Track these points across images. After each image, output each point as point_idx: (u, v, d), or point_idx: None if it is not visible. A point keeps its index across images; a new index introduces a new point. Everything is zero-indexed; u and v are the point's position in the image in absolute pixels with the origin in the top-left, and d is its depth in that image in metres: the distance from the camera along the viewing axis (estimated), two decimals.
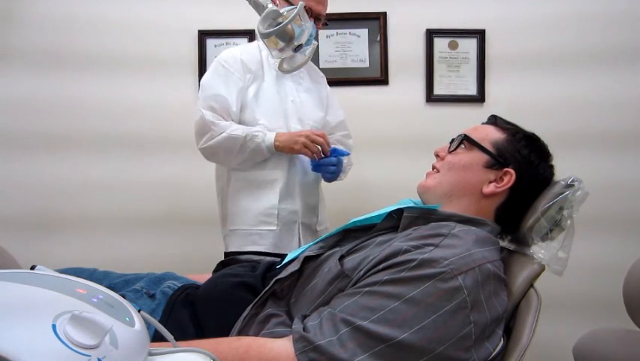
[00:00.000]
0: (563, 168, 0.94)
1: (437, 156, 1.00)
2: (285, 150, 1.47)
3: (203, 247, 1.94)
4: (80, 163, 2.06)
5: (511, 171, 0.89)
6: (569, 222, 0.87)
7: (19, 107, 2.06)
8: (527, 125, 0.97)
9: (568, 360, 0.94)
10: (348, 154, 1.55)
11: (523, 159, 0.91)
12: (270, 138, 1.46)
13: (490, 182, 0.90)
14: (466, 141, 0.94)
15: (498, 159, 0.91)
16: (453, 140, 0.98)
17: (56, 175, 2.06)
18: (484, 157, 0.92)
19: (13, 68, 2.07)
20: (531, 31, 2.09)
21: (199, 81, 2.06)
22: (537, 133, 0.98)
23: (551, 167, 0.94)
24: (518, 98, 2.03)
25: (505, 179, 0.90)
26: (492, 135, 0.94)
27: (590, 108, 2.06)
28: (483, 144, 0.93)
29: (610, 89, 2.06)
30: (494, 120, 1.00)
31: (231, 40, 2.09)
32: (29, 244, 2.01)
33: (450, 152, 0.96)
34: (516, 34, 2.09)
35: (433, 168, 0.99)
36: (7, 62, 2.06)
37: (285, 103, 1.55)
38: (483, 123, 1.02)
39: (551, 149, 0.95)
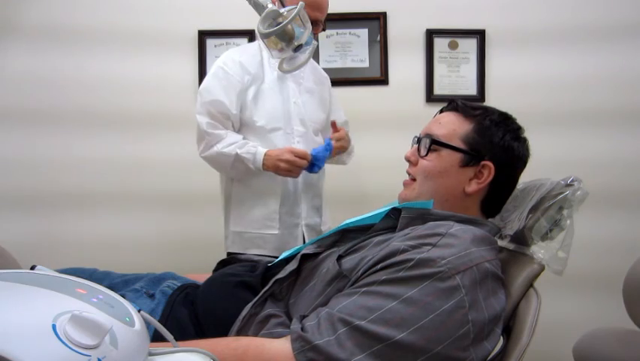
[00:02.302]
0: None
1: (409, 160, 0.96)
2: (271, 171, 1.46)
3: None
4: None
5: (489, 163, 0.88)
6: (568, 221, 0.86)
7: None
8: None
9: (568, 360, 0.94)
10: (328, 148, 1.48)
11: (497, 146, 0.89)
12: (259, 160, 1.45)
13: (471, 179, 0.89)
14: (435, 144, 0.91)
15: (473, 155, 0.89)
16: (419, 140, 0.94)
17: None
18: (458, 156, 0.89)
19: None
20: (531, 31, 2.09)
21: (199, 81, 2.07)
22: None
23: (525, 141, 0.92)
24: (519, 97, 2.04)
25: (485, 173, 0.89)
26: (459, 129, 0.90)
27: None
28: (453, 143, 0.90)
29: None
30: (456, 105, 0.94)
31: (231, 40, 2.09)
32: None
33: (421, 156, 0.93)
34: (516, 33, 2.09)
35: (408, 174, 0.96)
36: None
37: (288, 104, 1.55)
38: (443, 109, 0.97)
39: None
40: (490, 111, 0.93)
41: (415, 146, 0.96)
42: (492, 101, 2.07)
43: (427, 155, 0.92)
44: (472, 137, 0.90)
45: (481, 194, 0.91)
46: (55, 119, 2.06)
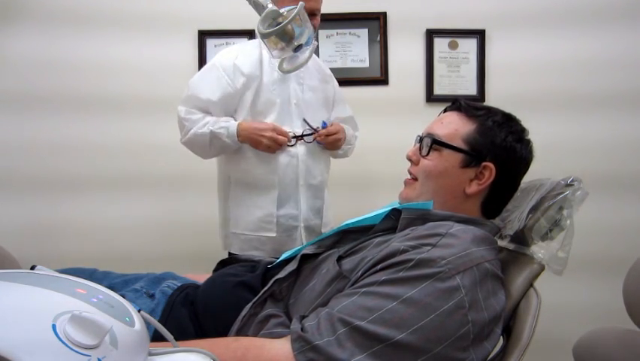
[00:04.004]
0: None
1: (410, 160, 0.96)
2: (249, 143, 1.49)
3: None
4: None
5: (490, 165, 0.87)
6: (568, 222, 0.86)
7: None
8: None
9: (568, 360, 0.94)
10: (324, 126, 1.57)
11: (499, 147, 0.88)
12: (233, 132, 1.47)
13: (471, 180, 0.89)
14: (436, 144, 0.91)
15: (473, 155, 0.88)
16: (421, 139, 0.94)
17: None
18: (459, 157, 0.89)
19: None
20: (531, 30, 2.09)
21: None
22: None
23: (528, 143, 0.91)
24: (518, 97, 2.04)
25: (486, 174, 0.88)
26: (462, 130, 0.90)
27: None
28: (454, 143, 0.89)
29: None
30: (459, 105, 0.93)
31: (231, 40, 2.09)
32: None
33: (423, 156, 0.92)
34: (516, 33, 2.09)
35: (410, 173, 0.96)
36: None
37: (289, 105, 1.55)
38: (447, 109, 0.97)
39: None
40: (493, 112, 0.92)
41: (417, 145, 0.96)
42: (492, 100, 2.07)
43: (428, 154, 0.92)
44: (473, 137, 0.89)
45: (481, 195, 0.90)
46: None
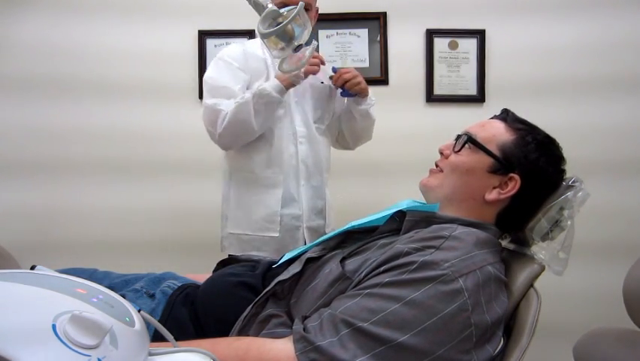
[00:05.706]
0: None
1: (441, 153, 0.96)
2: (300, 79, 1.46)
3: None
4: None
5: (516, 177, 0.86)
6: (569, 222, 0.86)
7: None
8: (532, 117, 0.94)
9: (568, 360, 0.94)
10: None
11: (531, 164, 0.87)
12: (276, 83, 1.43)
13: (494, 187, 0.88)
14: (470, 142, 0.91)
15: (503, 164, 0.88)
16: (459, 136, 0.94)
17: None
18: (489, 161, 0.88)
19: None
20: (531, 30, 2.09)
21: (199, 81, 2.07)
22: (543, 125, 0.94)
23: (561, 172, 0.90)
24: (518, 97, 2.04)
25: (510, 185, 0.87)
26: (500, 137, 0.89)
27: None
28: (489, 147, 0.89)
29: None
30: (506, 116, 0.94)
31: (231, 40, 2.08)
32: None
33: (455, 151, 0.93)
34: (516, 33, 2.09)
35: (437, 165, 0.96)
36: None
37: (289, 105, 1.55)
38: (494, 117, 0.96)
39: (558, 132, 0.92)
40: (537, 131, 0.91)
41: (452, 142, 0.96)
42: (492, 101, 2.07)
43: (460, 151, 0.92)
44: (509, 147, 0.88)
45: (500, 205, 0.89)
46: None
